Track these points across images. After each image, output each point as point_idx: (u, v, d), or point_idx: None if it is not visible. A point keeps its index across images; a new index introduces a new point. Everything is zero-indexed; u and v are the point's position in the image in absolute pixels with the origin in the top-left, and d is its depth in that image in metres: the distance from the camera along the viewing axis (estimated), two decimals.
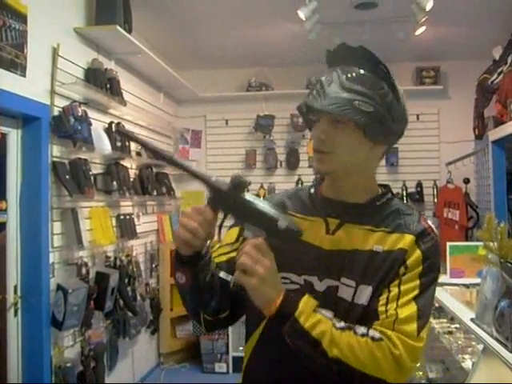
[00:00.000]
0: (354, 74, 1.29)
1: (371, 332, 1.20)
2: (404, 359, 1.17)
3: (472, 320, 2.45)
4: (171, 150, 6.12)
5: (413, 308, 1.23)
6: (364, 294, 1.27)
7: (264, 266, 1.18)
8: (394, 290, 1.25)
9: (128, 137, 1.34)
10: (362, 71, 1.29)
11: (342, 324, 1.22)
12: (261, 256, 1.18)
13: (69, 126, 3.43)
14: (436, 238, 1.33)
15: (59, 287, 3.36)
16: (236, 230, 1.45)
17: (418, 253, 1.27)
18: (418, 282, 1.26)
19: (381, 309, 1.24)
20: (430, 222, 1.37)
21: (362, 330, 1.21)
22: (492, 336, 2.15)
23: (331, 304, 1.27)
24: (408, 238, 1.28)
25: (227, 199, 1.23)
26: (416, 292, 1.25)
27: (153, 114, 5.23)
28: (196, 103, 6.35)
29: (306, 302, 1.22)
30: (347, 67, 1.30)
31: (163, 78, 5.42)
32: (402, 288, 1.25)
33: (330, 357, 1.17)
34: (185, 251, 1.25)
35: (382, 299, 1.25)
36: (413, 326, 1.21)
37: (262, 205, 1.22)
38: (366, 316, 1.25)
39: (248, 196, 1.22)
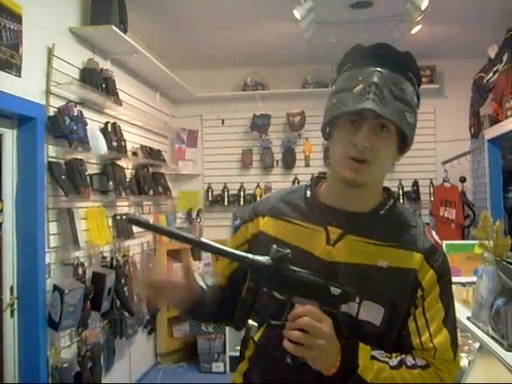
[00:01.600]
0: (399, 81, 1.24)
1: (418, 361, 1.23)
2: (447, 380, 1.24)
3: (468, 319, 2.46)
4: (167, 150, 6.13)
5: (445, 334, 1.24)
6: (370, 312, 1.24)
7: (324, 337, 1.12)
8: (421, 320, 1.24)
9: (141, 224, 1.25)
10: (402, 77, 1.25)
11: (395, 362, 1.21)
12: (319, 327, 1.11)
13: (64, 126, 3.43)
14: (443, 252, 1.31)
15: (55, 288, 3.36)
16: (240, 239, 1.45)
17: (431, 272, 1.25)
18: (440, 305, 1.25)
19: (415, 342, 1.24)
20: (434, 234, 1.34)
21: (411, 360, 1.22)
22: (488, 334, 2.16)
23: (333, 318, 1.20)
24: (417, 257, 1.25)
25: (271, 275, 1.18)
26: (442, 315, 1.24)
27: (149, 114, 5.21)
28: (192, 103, 6.34)
29: (364, 355, 1.18)
30: (389, 71, 1.24)
31: (159, 78, 5.40)
32: (428, 315, 1.24)
33: None
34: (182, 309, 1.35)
35: (413, 331, 1.25)
36: (450, 354, 1.24)
37: (307, 274, 1.18)
38: (384, 338, 1.25)
39: (291, 267, 1.18)
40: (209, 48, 5.59)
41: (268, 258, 1.18)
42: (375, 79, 1.20)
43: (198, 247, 1.23)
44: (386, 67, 1.23)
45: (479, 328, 2.29)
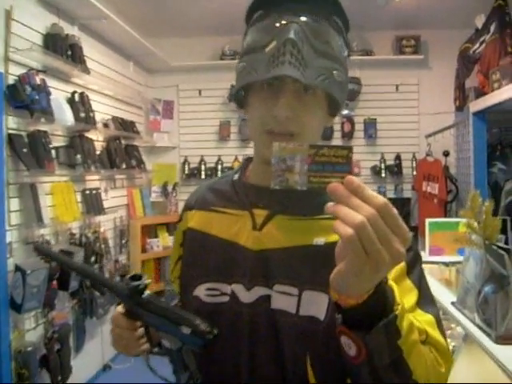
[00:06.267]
0: (323, 31, 1.00)
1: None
2: (445, 371, 0.93)
3: (453, 304, 2.31)
4: (142, 121, 5.90)
5: (426, 317, 0.95)
6: (312, 304, 1.00)
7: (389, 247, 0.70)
8: None
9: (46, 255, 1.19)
10: (326, 26, 1.01)
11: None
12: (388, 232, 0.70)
13: (25, 96, 3.19)
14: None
15: (17, 268, 3.16)
16: (175, 245, 1.28)
17: None
18: (410, 283, 0.98)
19: None
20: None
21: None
22: (474, 323, 2.00)
23: (265, 319, 1.02)
24: None
25: (130, 305, 1.09)
26: (415, 298, 0.97)
27: (121, 84, 4.97)
28: (168, 72, 6.09)
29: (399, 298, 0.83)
30: (310, 19, 0.99)
31: (132, 46, 5.14)
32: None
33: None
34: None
35: None
36: (441, 340, 0.94)
37: (162, 308, 1.06)
38: (331, 336, 0.88)
39: (146, 298, 1.07)
40: (185, 15, 5.31)
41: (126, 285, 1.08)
42: (291, 34, 0.95)
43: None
44: (305, 14, 0.99)
45: (465, 315, 2.14)
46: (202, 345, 1.01)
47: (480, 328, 1.96)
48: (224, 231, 1.12)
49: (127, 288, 1.06)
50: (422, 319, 0.93)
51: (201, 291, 1.11)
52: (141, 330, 1.12)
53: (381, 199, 0.69)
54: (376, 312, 0.78)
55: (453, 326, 2.60)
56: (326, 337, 0.96)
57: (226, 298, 1.07)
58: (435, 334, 0.93)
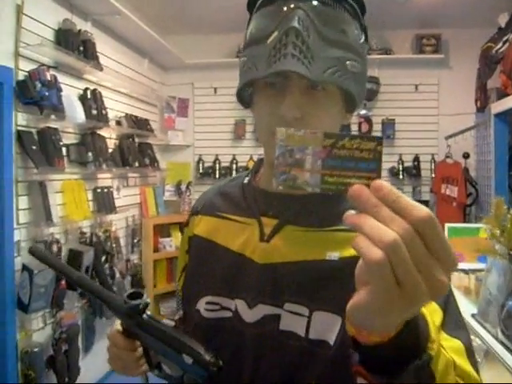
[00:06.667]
0: (333, 16, 0.88)
1: None
2: None
3: (473, 316, 2.19)
4: (156, 119, 5.83)
5: (453, 343, 0.78)
6: (323, 326, 0.88)
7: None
8: None
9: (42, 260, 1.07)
10: (337, 8, 0.88)
11: None
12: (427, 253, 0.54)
13: (35, 92, 3.13)
14: None
15: (24, 267, 3.11)
16: (181, 252, 1.19)
17: None
18: (433, 304, 0.81)
19: None
20: None
21: None
22: (497, 339, 1.89)
23: (271, 341, 0.91)
24: None
25: (128, 323, 0.99)
26: (438, 319, 0.80)
27: (136, 81, 4.91)
28: (183, 70, 6.01)
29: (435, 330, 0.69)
30: (317, 2, 0.86)
31: (147, 43, 5.07)
32: None
33: None
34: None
35: None
36: (470, 369, 0.75)
37: (163, 332, 0.94)
38: (340, 364, 0.80)
39: (147, 319, 0.96)
40: (201, 11, 5.22)
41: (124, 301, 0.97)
42: (294, 22, 0.83)
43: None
44: None
45: (486, 329, 2.02)
46: (204, 376, 0.90)
47: (503, 344, 1.84)
48: (230, 240, 1.02)
49: (126, 306, 0.96)
50: (448, 345, 0.75)
51: (201, 305, 1.02)
52: (140, 350, 1.03)
53: (422, 211, 0.52)
54: (405, 352, 0.61)
55: (472, 337, 2.48)
56: (335, 363, 0.85)
57: (227, 314, 0.98)
58: (464, 363, 0.75)
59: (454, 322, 0.83)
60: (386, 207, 0.53)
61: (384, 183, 0.54)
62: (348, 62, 0.88)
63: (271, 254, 0.95)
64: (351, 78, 0.89)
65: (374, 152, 0.56)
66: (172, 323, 1.24)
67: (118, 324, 1.03)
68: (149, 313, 0.98)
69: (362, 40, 0.93)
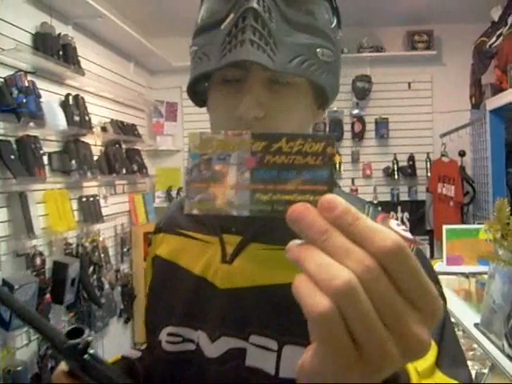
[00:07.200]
0: None
1: None
2: None
3: (476, 326, 2.06)
4: (144, 124, 5.69)
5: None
6: (295, 362, 0.74)
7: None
8: None
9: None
10: None
11: None
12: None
13: (11, 99, 2.99)
14: (417, 250, 0.76)
15: (4, 282, 2.95)
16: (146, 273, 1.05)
17: None
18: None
19: None
20: (395, 225, 0.79)
21: None
22: (503, 352, 1.75)
23: (236, 380, 0.77)
24: None
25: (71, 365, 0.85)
26: (432, 356, 0.68)
27: (121, 86, 4.77)
28: (170, 73, 5.86)
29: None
30: None
31: (132, 46, 4.93)
32: None
33: None
34: None
35: None
36: None
37: (110, 375, 0.82)
38: None
39: (90, 360, 0.82)
40: (187, 13, 5.06)
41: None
42: (253, 3, 0.69)
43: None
44: None
45: (490, 340, 1.89)
46: None
47: (510, 358, 1.71)
48: (192, 262, 0.89)
49: (65, 346, 0.83)
50: None
51: (163, 336, 0.89)
52: None
53: (388, 239, 0.37)
54: None
55: (475, 346, 2.36)
56: None
57: (191, 346, 0.85)
58: None
59: (451, 358, 0.70)
60: (339, 234, 0.38)
61: (337, 199, 0.38)
62: (318, 50, 0.75)
63: (234, 278, 0.83)
64: (322, 69, 0.76)
65: (322, 156, 0.41)
66: (139, 354, 1.12)
67: (63, 363, 0.90)
68: (92, 352, 0.84)
69: (334, 24, 0.80)
